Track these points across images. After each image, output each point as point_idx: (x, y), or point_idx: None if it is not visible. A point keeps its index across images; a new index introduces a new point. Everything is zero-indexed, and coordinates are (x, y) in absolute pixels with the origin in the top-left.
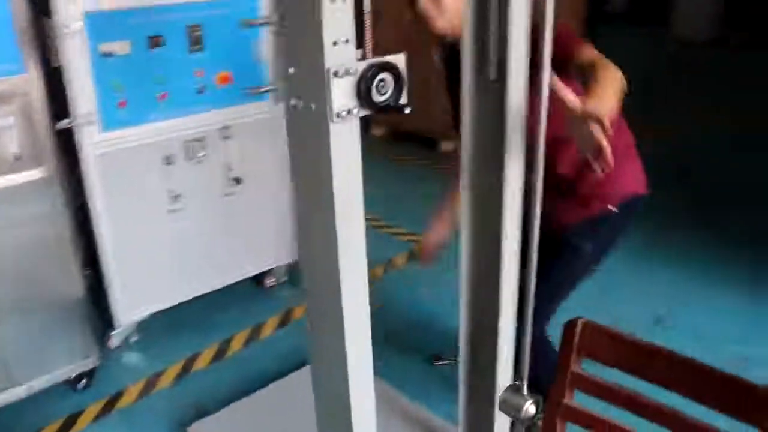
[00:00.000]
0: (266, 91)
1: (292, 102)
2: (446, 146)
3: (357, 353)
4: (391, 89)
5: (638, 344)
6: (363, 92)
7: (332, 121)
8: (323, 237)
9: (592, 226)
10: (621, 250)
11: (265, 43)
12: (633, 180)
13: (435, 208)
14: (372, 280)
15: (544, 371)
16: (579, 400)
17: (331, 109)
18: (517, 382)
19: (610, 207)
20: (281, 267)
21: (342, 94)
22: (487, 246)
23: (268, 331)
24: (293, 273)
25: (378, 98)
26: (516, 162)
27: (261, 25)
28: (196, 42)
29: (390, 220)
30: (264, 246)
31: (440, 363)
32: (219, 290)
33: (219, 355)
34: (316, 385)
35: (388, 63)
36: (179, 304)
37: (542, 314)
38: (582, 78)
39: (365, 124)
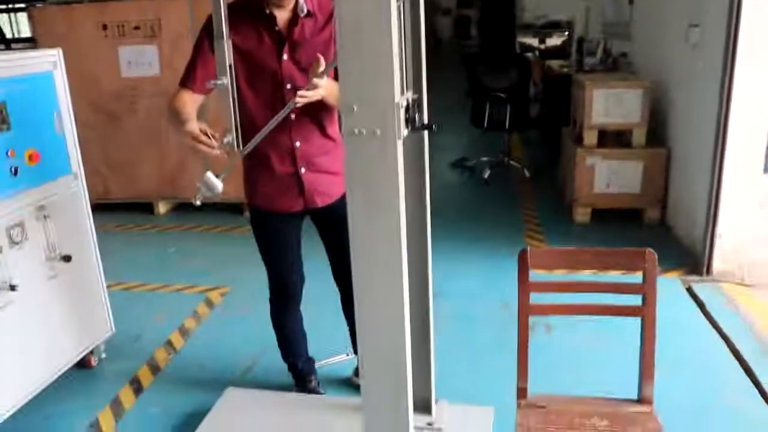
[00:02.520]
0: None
1: (356, 130)
2: (164, 208)
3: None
4: (417, 115)
5: (565, 250)
6: (411, 118)
7: (399, 139)
8: (386, 234)
9: None
10: None
11: (65, 116)
12: None
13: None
14: (188, 331)
15: None
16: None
17: (399, 131)
18: None
19: None
20: (100, 344)
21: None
22: None
23: (127, 406)
24: (110, 348)
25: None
26: None
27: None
28: (3, 121)
29: (161, 281)
30: (85, 325)
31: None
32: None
33: None
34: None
35: (416, 97)
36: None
37: None
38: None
39: None
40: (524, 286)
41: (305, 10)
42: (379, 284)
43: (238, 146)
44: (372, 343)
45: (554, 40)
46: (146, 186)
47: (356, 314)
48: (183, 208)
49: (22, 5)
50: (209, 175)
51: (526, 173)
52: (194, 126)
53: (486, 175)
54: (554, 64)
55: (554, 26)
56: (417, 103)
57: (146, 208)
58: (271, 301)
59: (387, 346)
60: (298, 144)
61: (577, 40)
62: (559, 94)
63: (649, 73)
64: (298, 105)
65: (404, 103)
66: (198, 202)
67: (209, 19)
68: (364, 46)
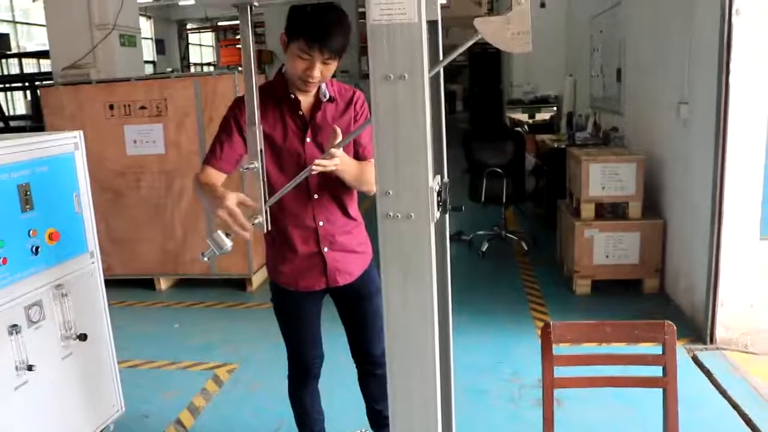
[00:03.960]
0: None
1: (390, 214)
2: (165, 284)
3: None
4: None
5: (585, 324)
6: (443, 201)
7: (432, 222)
8: (420, 308)
9: (375, 263)
10: None
11: (83, 195)
12: None
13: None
14: (198, 409)
15: None
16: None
17: (432, 215)
18: None
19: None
20: (110, 422)
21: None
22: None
23: None
24: (120, 427)
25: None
26: None
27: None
28: (27, 202)
29: (167, 357)
30: (97, 404)
31: None
32: None
33: None
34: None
35: (446, 181)
36: None
37: None
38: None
39: None
40: (548, 360)
41: (327, 95)
42: (412, 356)
43: (267, 228)
44: (403, 417)
45: (543, 115)
46: (148, 262)
47: (389, 386)
48: (184, 283)
49: (18, 84)
50: (219, 232)
51: (524, 246)
52: (233, 202)
53: (484, 248)
54: (545, 138)
55: (542, 101)
56: (446, 186)
57: (147, 284)
58: (289, 377)
59: (419, 418)
60: (321, 223)
61: (567, 115)
62: (553, 167)
63: (640, 146)
64: (314, 172)
65: (437, 187)
66: (205, 259)
67: (236, 101)
68: (400, 133)
